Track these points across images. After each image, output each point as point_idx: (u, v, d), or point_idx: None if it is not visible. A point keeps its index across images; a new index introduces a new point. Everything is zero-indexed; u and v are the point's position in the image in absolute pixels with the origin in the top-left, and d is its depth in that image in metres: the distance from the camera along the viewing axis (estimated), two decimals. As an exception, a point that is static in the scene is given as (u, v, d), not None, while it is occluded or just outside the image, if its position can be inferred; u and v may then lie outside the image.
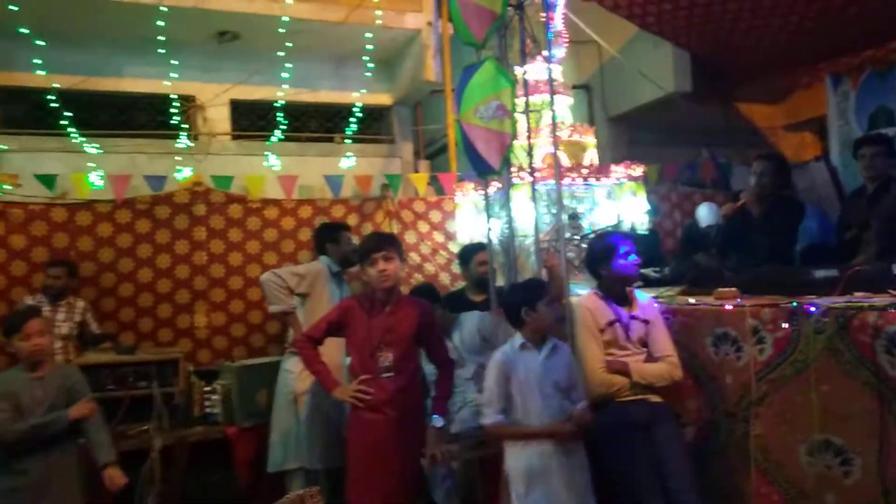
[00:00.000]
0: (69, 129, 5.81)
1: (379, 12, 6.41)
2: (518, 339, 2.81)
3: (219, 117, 6.89)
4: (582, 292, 3.22)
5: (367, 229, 5.14)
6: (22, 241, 4.61)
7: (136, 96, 6.64)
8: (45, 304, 4.30)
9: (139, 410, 3.78)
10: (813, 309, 2.59)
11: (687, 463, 2.77)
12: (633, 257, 2.97)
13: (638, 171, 4.06)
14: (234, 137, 7.01)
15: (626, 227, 3.92)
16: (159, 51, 5.94)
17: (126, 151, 6.05)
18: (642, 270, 3.41)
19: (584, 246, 3.65)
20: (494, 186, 3.59)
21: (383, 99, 7.57)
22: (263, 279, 4.03)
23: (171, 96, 6.40)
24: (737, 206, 4.08)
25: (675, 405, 2.95)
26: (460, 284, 4.41)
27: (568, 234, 3.70)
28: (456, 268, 4.91)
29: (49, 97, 5.80)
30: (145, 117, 6.70)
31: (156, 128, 6.58)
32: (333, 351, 3.41)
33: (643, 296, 3.09)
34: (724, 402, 2.93)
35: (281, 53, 6.21)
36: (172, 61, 6.13)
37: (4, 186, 4.83)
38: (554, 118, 3.35)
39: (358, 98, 6.87)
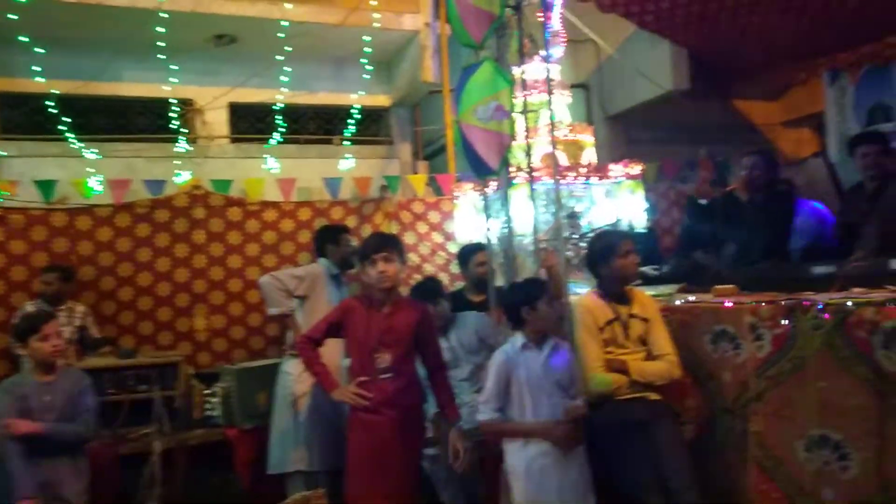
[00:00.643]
0: (68, 135, 5.82)
1: (377, 14, 6.43)
2: (519, 338, 2.81)
3: (217, 120, 6.92)
4: (581, 291, 3.23)
5: (367, 231, 5.15)
6: (22, 246, 4.61)
7: (135, 100, 6.67)
8: (45, 309, 4.30)
9: (139, 414, 3.79)
10: (810, 305, 2.59)
11: (686, 460, 2.77)
12: (632, 256, 2.98)
13: (636, 169, 4.07)
14: (233, 140, 7.03)
15: (624, 225, 3.92)
16: (158, 55, 5.95)
17: (125, 156, 6.07)
18: (641, 268, 3.41)
19: (583, 245, 3.66)
20: (493, 187, 3.59)
21: (382, 100, 7.59)
22: (262, 282, 4.04)
23: (170, 100, 6.42)
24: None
25: (674, 403, 2.96)
26: (459, 285, 4.41)
27: (566, 234, 3.71)
28: (455, 268, 4.92)
29: (48, 102, 5.82)
30: (144, 121, 6.73)
31: (155, 132, 6.60)
32: (332, 352, 3.42)
33: (642, 294, 3.10)
34: (722, 399, 2.94)
35: (279, 56, 6.23)
36: (171, 66, 6.14)
37: (4, 194, 4.84)
38: (552, 118, 3.35)
39: (356, 100, 6.89)
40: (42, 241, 4.65)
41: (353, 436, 2.97)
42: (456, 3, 3.17)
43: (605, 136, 7.58)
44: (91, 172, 5.41)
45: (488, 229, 3.45)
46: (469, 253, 3.85)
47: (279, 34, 6.09)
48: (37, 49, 5.59)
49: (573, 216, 3.96)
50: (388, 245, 3.01)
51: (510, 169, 3.40)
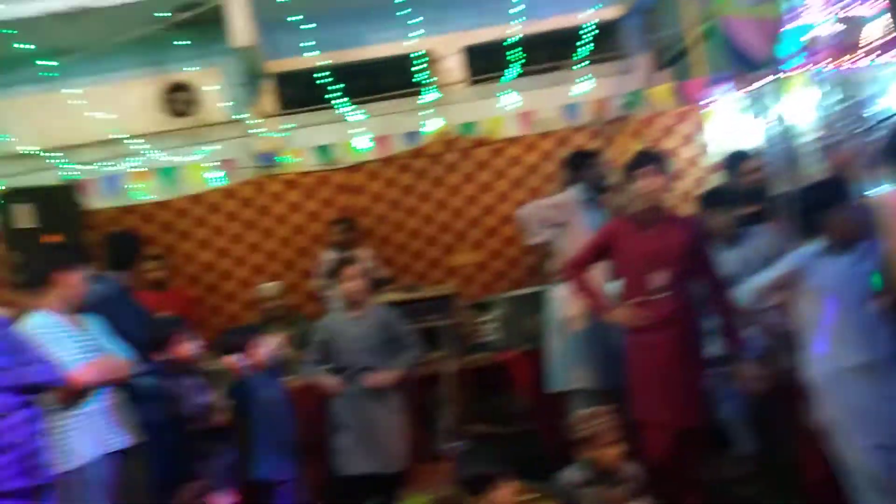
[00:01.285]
0: (335, 102, 6.52)
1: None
2: (816, 244, 2.56)
3: (455, 66, 7.21)
4: (883, 189, 2.81)
5: (613, 153, 5.02)
6: (314, 204, 5.39)
7: (383, 61, 7.21)
8: (339, 256, 4.99)
9: (427, 341, 4.25)
10: None
11: None
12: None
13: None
14: (472, 83, 7.28)
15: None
16: (398, 14, 6.29)
17: (383, 114, 6.62)
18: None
19: (878, 137, 3.15)
20: (761, 81, 3.24)
21: (611, 13, 7.20)
22: (520, 213, 4.19)
23: (412, 55, 6.82)
24: None
25: None
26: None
27: (856, 126, 3.22)
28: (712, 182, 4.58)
29: (317, 75, 6.53)
30: (393, 79, 7.24)
31: (404, 87, 7.08)
32: (594, 277, 3.45)
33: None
34: None
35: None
36: (411, 22, 6.48)
37: (293, 160, 5.67)
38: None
39: (586, 17, 6.63)
40: (328, 198, 5.38)
41: (634, 356, 3.00)
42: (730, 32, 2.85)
43: None
44: (357, 133, 6.03)
45: (758, 130, 3.14)
46: (736, 160, 3.56)
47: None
48: (305, 27, 6.24)
49: (860, 105, 3.41)
50: (650, 160, 2.92)
51: (784, 57, 3.03)
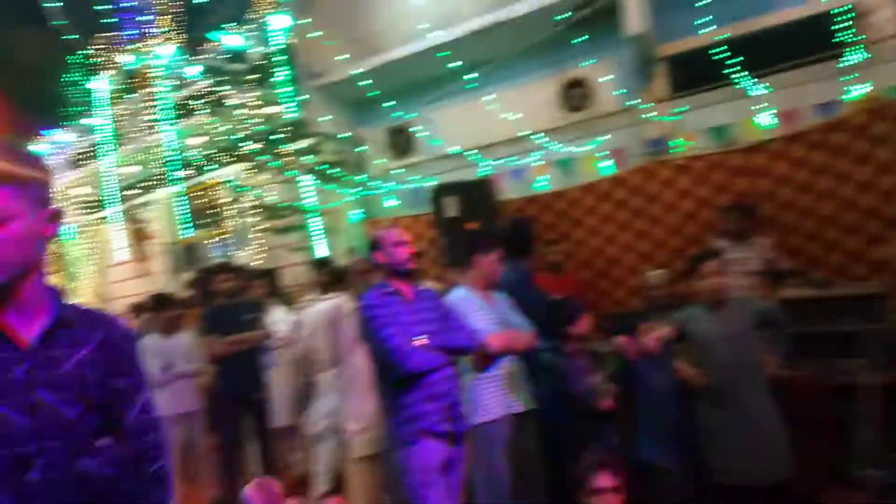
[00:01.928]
0: (733, 78, 6.03)
1: None
2: None
3: (886, 18, 5.93)
4: None
5: None
6: (705, 190, 5.11)
7: (791, 25, 6.37)
8: (731, 246, 4.63)
9: (841, 346, 3.65)
10: None
11: None
12: None
13: None
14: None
15: None
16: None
17: (789, 85, 5.89)
18: None
19: None
20: None
21: None
22: None
23: (832, 11, 5.86)
24: None
25: None
26: None
27: None
28: None
29: (714, 52, 6.15)
30: (803, 44, 6.35)
31: (818, 51, 6.16)
32: None
33: None
34: None
35: None
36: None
37: (685, 144, 5.46)
38: None
39: None
40: (722, 183, 5.03)
41: None
42: None
43: None
44: (759, 110, 5.49)
45: None
46: None
47: None
48: (700, 4, 5.95)
49: None
50: None
51: None
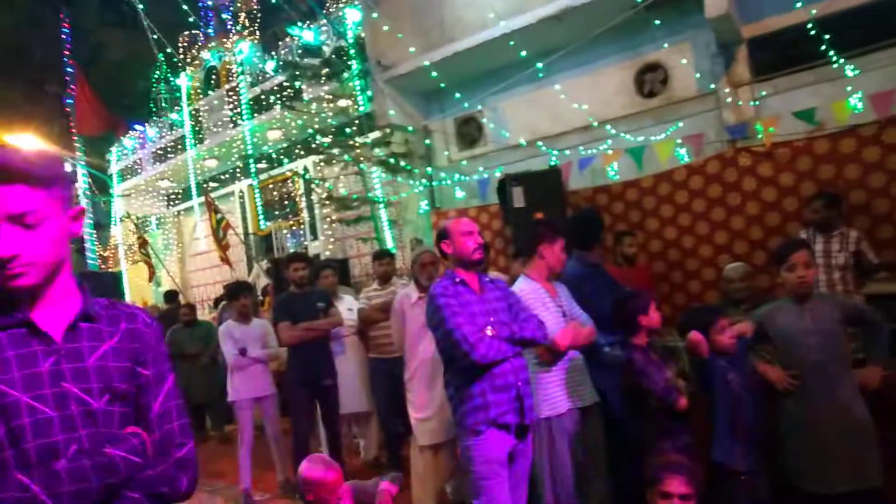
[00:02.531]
0: (823, 59, 5.68)
1: None
2: None
3: None
4: None
5: None
6: (789, 177, 4.83)
7: (882, 2, 5.92)
8: (817, 237, 4.36)
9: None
10: None
11: None
12: None
13: None
14: None
15: None
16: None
17: (884, 65, 5.48)
18: None
19: None
20: None
21: None
22: None
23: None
24: None
25: None
26: None
27: None
28: None
29: (799, 32, 5.80)
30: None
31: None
32: None
33: None
34: None
35: None
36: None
37: (766, 130, 5.18)
38: None
39: None
40: (807, 170, 4.75)
41: None
42: None
43: None
44: (849, 92, 5.14)
45: None
46: None
47: None
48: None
49: None
50: None
51: None
